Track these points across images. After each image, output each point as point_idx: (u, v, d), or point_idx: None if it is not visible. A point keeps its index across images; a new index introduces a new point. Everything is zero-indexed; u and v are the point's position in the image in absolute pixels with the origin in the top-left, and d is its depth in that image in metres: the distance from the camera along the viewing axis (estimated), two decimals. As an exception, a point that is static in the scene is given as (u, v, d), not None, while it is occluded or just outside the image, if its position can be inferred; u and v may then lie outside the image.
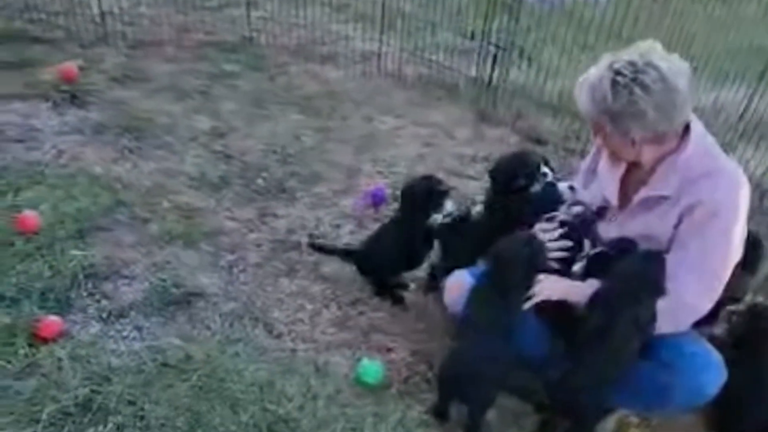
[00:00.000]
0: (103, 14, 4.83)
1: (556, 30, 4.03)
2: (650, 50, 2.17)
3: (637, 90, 2.09)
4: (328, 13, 5.16)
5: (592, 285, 2.34)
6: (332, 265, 3.15)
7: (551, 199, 2.65)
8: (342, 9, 5.30)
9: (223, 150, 3.86)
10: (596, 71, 2.19)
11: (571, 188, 2.62)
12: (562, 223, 2.53)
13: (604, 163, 2.49)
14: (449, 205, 2.83)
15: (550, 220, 2.57)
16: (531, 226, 2.57)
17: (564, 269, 2.46)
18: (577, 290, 2.37)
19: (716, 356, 2.27)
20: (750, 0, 3.06)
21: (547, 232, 2.51)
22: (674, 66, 2.15)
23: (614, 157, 2.39)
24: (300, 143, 3.98)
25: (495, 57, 4.19)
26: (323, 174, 3.75)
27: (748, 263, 2.41)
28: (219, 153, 3.83)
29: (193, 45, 4.95)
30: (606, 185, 2.45)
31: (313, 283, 3.06)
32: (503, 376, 2.37)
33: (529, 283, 2.33)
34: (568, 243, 2.49)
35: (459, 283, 2.56)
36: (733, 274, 2.29)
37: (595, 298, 2.28)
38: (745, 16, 3.33)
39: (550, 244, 2.47)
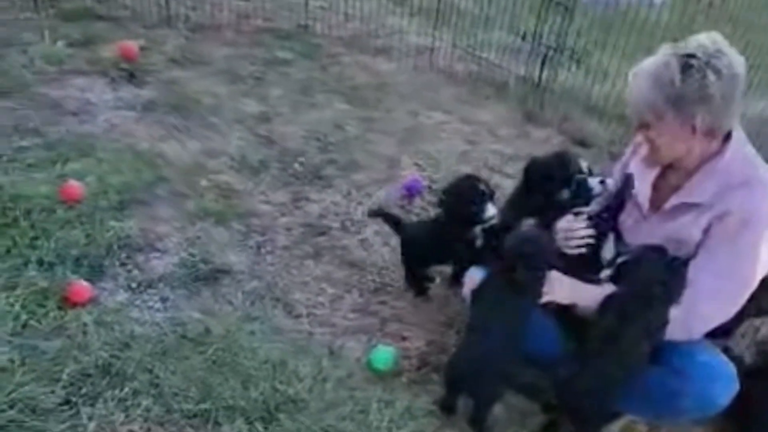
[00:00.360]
0: (165, -4, 4.95)
1: (608, 33, 3.96)
2: (716, 38, 2.14)
3: (710, 73, 2.06)
4: (386, 6, 5.17)
5: (605, 290, 2.30)
6: (358, 252, 3.18)
7: (583, 196, 2.60)
8: (400, 2, 5.30)
9: (266, 134, 3.93)
10: (657, 58, 2.16)
11: (602, 182, 2.57)
12: (589, 217, 2.50)
13: (636, 164, 2.45)
14: (491, 209, 2.77)
15: (577, 215, 2.53)
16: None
17: (589, 260, 2.45)
18: (589, 295, 2.33)
19: (729, 367, 2.22)
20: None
21: (573, 222, 2.48)
22: (737, 58, 2.13)
23: (652, 157, 2.32)
24: (342, 132, 4.01)
25: (545, 58, 4.13)
26: (362, 163, 3.77)
27: None
28: (262, 137, 3.90)
29: (251, 31, 5.04)
30: (638, 187, 2.41)
31: (337, 268, 3.09)
32: (510, 371, 2.35)
33: (538, 280, 2.30)
34: (592, 232, 2.45)
35: (476, 278, 2.55)
36: (760, 288, 2.22)
37: (607, 301, 2.24)
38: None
39: (576, 233, 2.45)
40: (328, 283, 3.01)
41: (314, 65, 4.71)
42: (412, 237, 2.99)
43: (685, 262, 2.22)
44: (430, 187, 3.63)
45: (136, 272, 2.92)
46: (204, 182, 3.47)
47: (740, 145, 2.21)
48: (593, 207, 2.56)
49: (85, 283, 2.77)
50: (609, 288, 2.30)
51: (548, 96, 4.29)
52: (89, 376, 2.43)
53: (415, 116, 4.26)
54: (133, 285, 2.86)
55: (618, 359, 2.20)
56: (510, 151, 3.97)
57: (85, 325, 2.62)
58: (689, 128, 2.15)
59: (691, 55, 2.08)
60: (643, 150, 2.33)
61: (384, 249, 3.22)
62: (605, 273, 2.45)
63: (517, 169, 3.71)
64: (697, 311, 2.19)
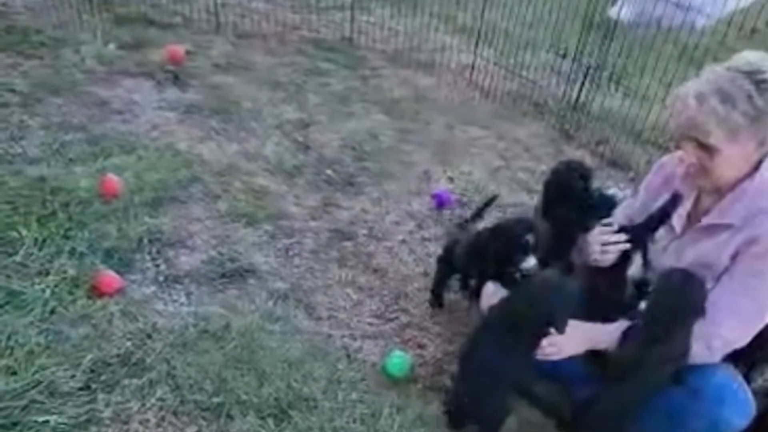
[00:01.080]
0: (217, 4, 5.07)
1: (648, 54, 3.93)
2: (762, 55, 2.10)
3: None
4: (430, 23, 5.22)
5: (619, 327, 2.27)
6: (383, 259, 3.21)
7: (606, 205, 2.59)
8: (444, 20, 5.35)
9: (302, 140, 3.99)
10: (713, 77, 2.08)
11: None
12: (621, 229, 2.47)
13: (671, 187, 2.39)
14: (531, 261, 2.64)
15: (607, 225, 2.51)
16: (588, 230, 2.53)
17: (620, 273, 2.42)
18: (603, 337, 2.30)
19: (745, 392, 2.17)
20: None
21: (606, 234, 2.46)
22: None
23: (698, 179, 2.25)
24: (377, 142, 4.05)
25: (584, 78, 4.11)
26: (394, 173, 3.80)
27: None
28: (298, 143, 3.97)
29: (296, 41, 5.14)
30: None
31: (362, 273, 3.12)
32: (505, 400, 2.34)
33: (543, 332, 2.25)
34: (626, 246, 2.43)
35: (493, 293, 2.56)
36: None
37: (629, 332, 2.21)
38: None
39: (612, 244, 2.42)
40: (351, 288, 3.03)
41: (355, 76, 4.78)
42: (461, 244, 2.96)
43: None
44: (459, 201, 3.63)
45: (164, 267, 2.99)
46: (238, 184, 3.54)
47: None
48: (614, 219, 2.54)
49: (114, 274, 2.84)
50: (623, 324, 2.26)
51: (585, 116, 4.27)
52: (110, 364, 2.49)
53: (450, 130, 4.28)
54: (161, 279, 2.92)
55: (640, 385, 2.17)
56: (542, 169, 3.95)
57: (111, 314, 2.68)
58: (755, 144, 2.11)
59: (761, 71, 2.04)
60: (681, 170, 2.31)
61: (409, 257, 3.24)
62: (628, 292, 2.42)
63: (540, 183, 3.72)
64: (717, 331, 2.15)
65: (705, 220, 2.25)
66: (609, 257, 2.44)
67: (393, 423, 2.44)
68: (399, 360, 2.64)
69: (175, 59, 4.55)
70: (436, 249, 3.23)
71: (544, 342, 2.29)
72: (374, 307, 2.96)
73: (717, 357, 2.19)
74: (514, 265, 2.62)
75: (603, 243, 2.45)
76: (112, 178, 3.32)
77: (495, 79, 4.74)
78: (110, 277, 2.83)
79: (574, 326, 2.28)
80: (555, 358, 2.30)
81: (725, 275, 2.18)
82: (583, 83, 4.15)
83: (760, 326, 2.16)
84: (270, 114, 4.20)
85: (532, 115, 4.52)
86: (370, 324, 2.88)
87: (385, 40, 5.15)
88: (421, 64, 5.02)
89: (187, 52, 4.69)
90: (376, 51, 5.09)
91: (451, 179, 3.81)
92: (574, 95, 4.24)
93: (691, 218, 2.33)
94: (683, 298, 2.15)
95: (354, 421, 2.43)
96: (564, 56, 4.49)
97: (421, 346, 2.79)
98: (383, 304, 2.98)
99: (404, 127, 4.23)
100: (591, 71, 4.08)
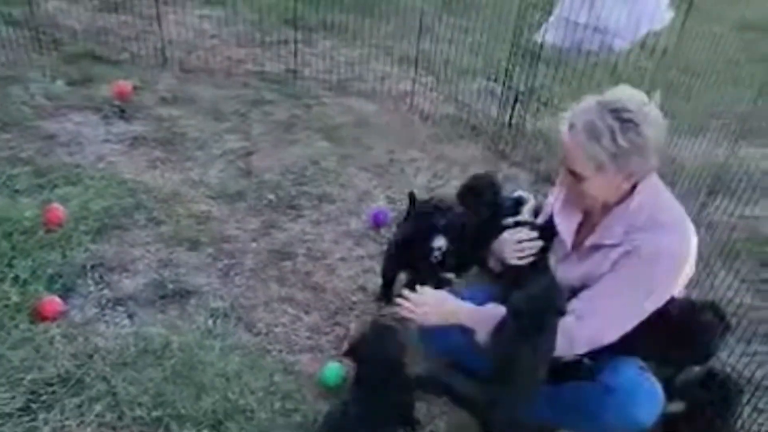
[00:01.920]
0: (162, 42, 5.19)
1: (573, 76, 4.14)
2: (634, 90, 2.24)
3: (646, 125, 2.14)
4: (370, 53, 5.40)
5: (492, 313, 2.39)
6: (321, 277, 3.31)
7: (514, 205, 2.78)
8: (386, 51, 5.53)
9: (245, 167, 4.11)
10: (589, 112, 2.19)
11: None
12: (533, 226, 2.64)
13: (560, 206, 2.53)
14: (440, 241, 2.93)
15: (519, 224, 2.67)
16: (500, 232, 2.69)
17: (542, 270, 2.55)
18: (468, 315, 2.46)
19: (655, 388, 2.29)
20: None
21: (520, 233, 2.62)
22: (657, 107, 2.23)
23: (576, 203, 2.43)
24: (319, 167, 4.18)
25: (515, 100, 4.31)
26: (334, 195, 3.93)
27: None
28: (241, 170, 4.08)
29: (242, 74, 5.27)
30: (562, 229, 2.50)
31: (300, 291, 3.22)
32: None
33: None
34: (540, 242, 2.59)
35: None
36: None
37: (496, 332, 2.34)
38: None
39: (527, 243, 2.59)
40: (289, 305, 3.13)
41: (299, 105, 4.91)
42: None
43: None
44: (397, 219, 3.76)
45: (106, 290, 3.08)
46: (181, 209, 3.64)
47: (652, 189, 2.29)
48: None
49: (56, 299, 2.93)
50: (499, 311, 2.37)
51: (519, 136, 4.45)
52: (50, 384, 2.58)
53: (391, 153, 4.43)
54: (103, 302, 3.02)
55: (517, 380, 2.28)
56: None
57: (52, 337, 2.77)
58: (624, 178, 2.23)
59: (627, 110, 2.15)
60: (562, 194, 2.47)
61: (347, 274, 3.34)
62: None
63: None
64: (581, 329, 2.28)
65: (588, 242, 2.39)
66: (525, 256, 2.59)
67: (328, 429, 2.53)
68: (333, 371, 2.74)
69: (122, 94, 4.66)
70: (373, 265, 3.36)
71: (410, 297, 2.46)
72: (312, 321, 3.06)
73: (579, 351, 2.33)
74: (426, 245, 2.85)
75: (518, 241, 2.61)
76: (57, 207, 3.41)
77: (434, 104, 4.92)
78: (52, 301, 2.91)
79: (445, 297, 2.47)
80: (418, 321, 2.50)
81: (601, 281, 2.31)
82: (514, 105, 4.34)
83: (627, 327, 2.28)
84: (214, 143, 4.31)
85: (469, 137, 4.69)
86: (308, 338, 2.97)
87: (328, 71, 5.31)
88: (363, 92, 5.18)
89: (135, 87, 4.79)
90: (319, 81, 5.23)
91: (390, 199, 3.94)
92: (507, 117, 4.42)
93: (581, 233, 2.46)
94: (544, 301, 2.26)
95: (289, 429, 2.53)
96: (495, 80, 4.69)
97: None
98: (321, 319, 3.07)
99: (346, 153, 4.37)
100: (521, 94, 4.27)
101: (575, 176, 2.28)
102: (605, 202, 2.32)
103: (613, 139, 2.14)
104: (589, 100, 2.22)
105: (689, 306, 2.45)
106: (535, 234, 2.61)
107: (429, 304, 2.48)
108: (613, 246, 2.29)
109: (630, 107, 2.15)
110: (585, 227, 2.45)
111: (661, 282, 2.27)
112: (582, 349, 2.33)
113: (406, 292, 2.50)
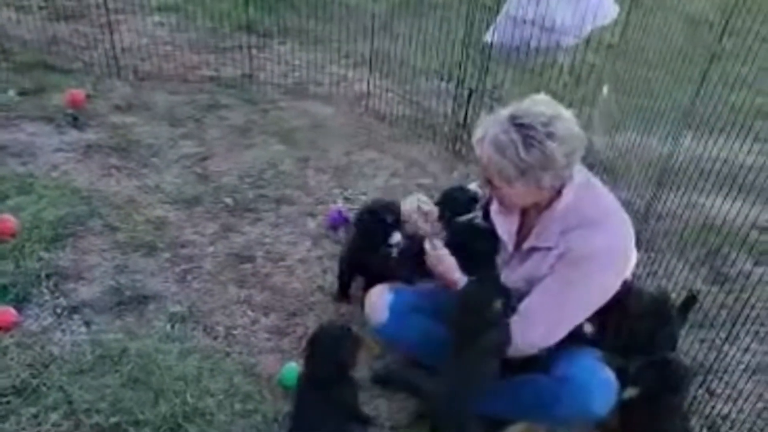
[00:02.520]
0: (114, 50, 5.15)
1: (523, 74, 4.20)
2: (551, 103, 2.26)
3: (550, 143, 2.15)
4: (325, 57, 5.42)
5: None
6: (280, 279, 3.31)
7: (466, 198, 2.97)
8: (342, 53, 5.55)
9: (202, 172, 4.09)
10: (498, 127, 2.22)
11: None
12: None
13: (496, 209, 2.59)
14: (397, 237, 2.96)
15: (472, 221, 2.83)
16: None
17: None
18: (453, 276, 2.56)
19: (609, 378, 2.33)
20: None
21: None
22: (570, 117, 2.25)
23: (502, 207, 2.49)
24: (276, 170, 4.17)
25: (468, 100, 4.36)
26: (292, 197, 3.93)
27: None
28: (198, 175, 4.06)
29: (197, 80, 5.24)
30: (502, 231, 2.55)
31: (259, 293, 3.22)
32: None
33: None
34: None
35: (378, 297, 2.75)
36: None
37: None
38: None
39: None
40: (248, 307, 3.13)
41: (254, 110, 4.90)
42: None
43: None
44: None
45: (62, 299, 3.04)
46: (137, 216, 3.61)
47: (581, 188, 2.32)
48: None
49: (9, 309, 2.89)
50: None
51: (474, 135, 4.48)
52: (4, 395, 2.55)
53: (348, 155, 4.44)
54: (58, 310, 2.98)
55: (467, 372, 2.34)
56: (437, 185, 4.15)
57: (5, 347, 2.73)
58: (535, 188, 2.26)
59: (531, 127, 2.16)
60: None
61: (305, 275, 3.35)
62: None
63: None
64: (527, 334, 2.34)
65: (525, 245, 2.43)
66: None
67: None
68: (293, 372, 2.73)
69: (75, 103, 4.60)
70: (332, 265, 3.36)
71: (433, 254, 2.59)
72: (271, 323, 3.06)
73: (528, 353, 2.39)
74: (382, 242, 2.92)
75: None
76: (8, 218, 3.37)
77: (390, 105, 4.94)
78: (5, 312, 2.87)
79: (454, 266, 2.57)
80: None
81: (540, 284, 2.36)
82: (468, 105, 4.38)
83: (572, 325, 2.35)
84: (170, 149, 4.28)
85: (425, 136, 4.72)
86: (268, 339, 2.97)
87: (284, 75, 5.31)
88: (319, 95, 5.18)
89: (88, 96, 4.74)
90: (275, 85, 5.22)
91: (347, 199, 3.95)
92: (462, 116, 4.46)
93: (521, 235, 2.50)
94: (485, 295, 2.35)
95: (250, 430, 2.52)
96: (449, 80, 4.74)
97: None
98: (280, 320, 3.08)
99: (303, 155, 4.37)
100: (474, 93, 4.32)
101: (491, 184, 2.34)
102: (537, 205, 2.36)
103: (517, 154, 2.17)
104: (501, 112, 2.26)
105: (638, 295, 2.51)
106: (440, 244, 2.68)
107: (444, 264, 2.56)
108: (549, 249, 2.34)
109: (535, 123, 2.17)
110: (524, 229, 2.48)
111: (600, 278, 2.32)
112: (530, 351, 2.38)
113: (429, 247, 2.61)
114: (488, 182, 2.36)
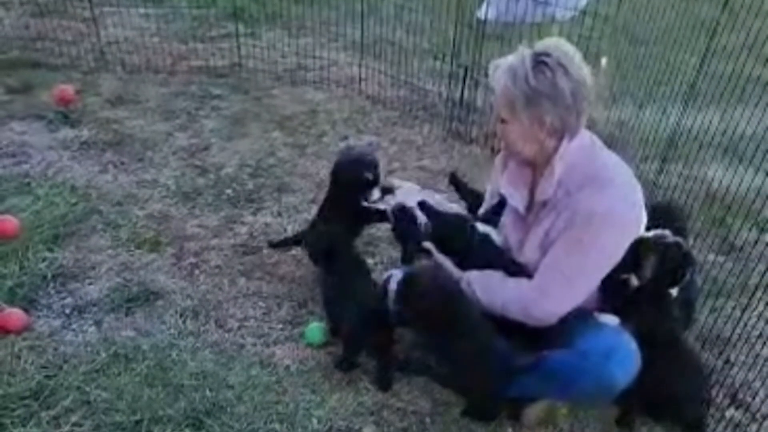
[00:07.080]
0: (101, 44, 5.08)
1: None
2: (569, 45, 2.32)
3: (560, 72, 2.23)
4: (315, 42, 5.38)
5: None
6: (288, 268, 3.29)
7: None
8: (332, 37, 5.51)
9: (200, 164, 4.05)
10: (515, 56, 2.31)
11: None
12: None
13: (506, 180, 2.59)
14: (376, 193, 3.02)
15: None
16: None
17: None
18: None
19: (631, 348, 2.32)
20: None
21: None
22: (585, 67, 2.30)
23: (506, 151, 2.55)
24: (274, 158, 4.15)
25: (464, 78, 4.33)
26: (292, 185, 3.90)
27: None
28: (196, 167, 4.02)
29: (186, 71, 5.19)
30: (514, 197, 2.55)
31: (268, 284, 3.20)
32: None
33: None
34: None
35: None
36: None
37: None
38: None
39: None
40: (259, 298, 3.11)
41: (247, 98, 4.86)
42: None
43: None
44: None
45: (69, 299, 3.02)
46: (137, 212, 3.58)
47: (585, 148, 2.36)
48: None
49: (19, 312, 2.86)
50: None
51: (472, 113, 4.47)
52: (23, 398, 2.52)
53: (345, 139, 4.42)
54: (67, 311, 2.95)
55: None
56: (435, 167, 4.14)
57: (18, 351, 2.70)
58: (538, 125, 2.30)
59: (545, 53, 2.25)
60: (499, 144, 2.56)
61: (312, 264, 3.32)
62: None
63: (438, 181, 3.90)
64: (540, 300, 2.39)
65: (535, 203, 2.47)
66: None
67: (311, 417, 2.54)
68: (316, 329, 2.85)
69: (65, 99, 4.54)
70: (339, 251, 3.34)
71: None
72: (283, 313, 3.04)
73: (546, 323, 2.42)
74: (363, 198, 3.00)
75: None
76: (9, 219, 3.32)
77: (384, 88, 4.92)
78: (15, 314, 2.84)
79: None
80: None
81: (551, 249, 2.39)
82: (463, 83, 4.36)
83: (584, 292, 2.40)
84: (165, 142, 4.25)
85: (422, 118, 4.70)
86: (282, 329, 2.96)
87: (274, 62, 5.26)
88: (311, 81, 5.15)
89: (77, 91, 4.68)
90: (266, 73, 5.18)
91: (349, 185, 3.92)
92: (458, 95, 4.44)
93: (533, 198, 2.52)
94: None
95: (272, 421, 2.52)
96: (443, 59, 4.71)
97: (331, 344, 2.87)
98: (292, 310, 3.06)
99: (299, 142, 4.35)
100: (469, 71, 4.30)
101: (499, 119, 2.39)
102: (527, 155, 2.41)
103: (526, 81, 2.24)
104: (522, 47, 2.33)
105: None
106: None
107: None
108: (558, 208, 2.36)
109: (550, 53, 2.25)
110: (536, 191, 2.50)
111: (610, 238, 2.33)
112: (550, 320, 2.41)
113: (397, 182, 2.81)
114: (499, 120, 2.40)
